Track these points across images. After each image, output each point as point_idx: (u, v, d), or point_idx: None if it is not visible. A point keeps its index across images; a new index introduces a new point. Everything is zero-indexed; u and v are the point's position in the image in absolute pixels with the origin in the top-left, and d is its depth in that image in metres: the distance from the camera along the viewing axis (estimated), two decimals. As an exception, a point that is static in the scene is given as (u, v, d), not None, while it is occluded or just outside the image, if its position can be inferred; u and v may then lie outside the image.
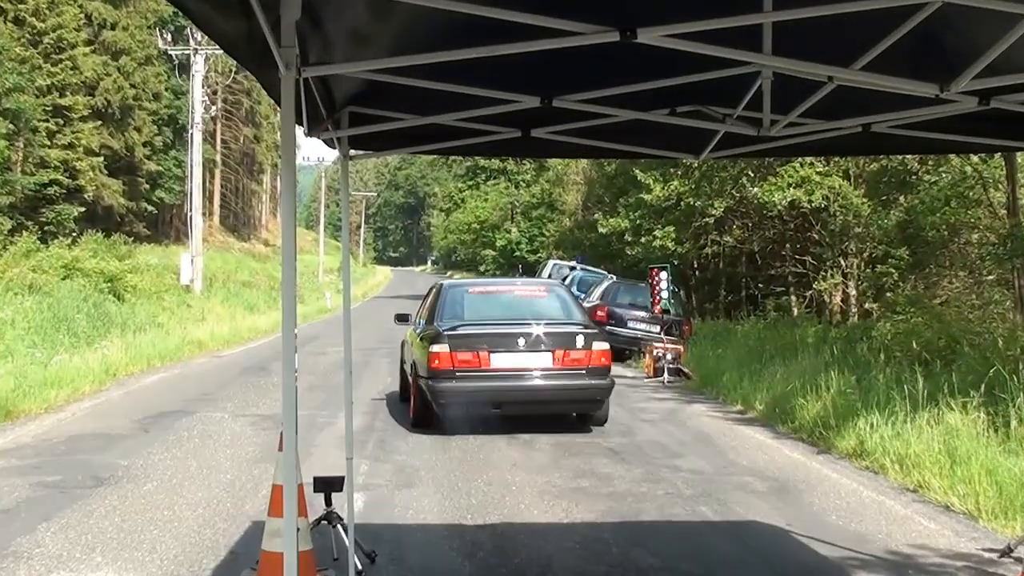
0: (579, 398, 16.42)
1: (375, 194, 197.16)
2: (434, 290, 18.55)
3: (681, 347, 25.49)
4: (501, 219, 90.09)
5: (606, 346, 16.54)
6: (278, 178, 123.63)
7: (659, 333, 27.41)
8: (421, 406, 16.46)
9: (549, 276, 40.86)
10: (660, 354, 24.79)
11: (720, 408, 20.24)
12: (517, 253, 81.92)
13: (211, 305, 43.16)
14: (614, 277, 34.70)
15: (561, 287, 18.53)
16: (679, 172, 35.34)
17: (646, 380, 24.65)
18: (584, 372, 16.22)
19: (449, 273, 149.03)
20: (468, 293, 17.87)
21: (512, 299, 17.88)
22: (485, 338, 16.01)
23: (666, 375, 24.21)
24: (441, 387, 15.89)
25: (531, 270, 68.23)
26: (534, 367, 16.07)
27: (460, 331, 16.12)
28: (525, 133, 8.26)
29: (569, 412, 17.32)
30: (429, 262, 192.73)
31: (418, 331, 17.38)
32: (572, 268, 40.16)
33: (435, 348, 15.92)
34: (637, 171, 38.14)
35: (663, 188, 36.15)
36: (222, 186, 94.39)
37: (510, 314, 17.01)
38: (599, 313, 29.20)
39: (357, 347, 29.66)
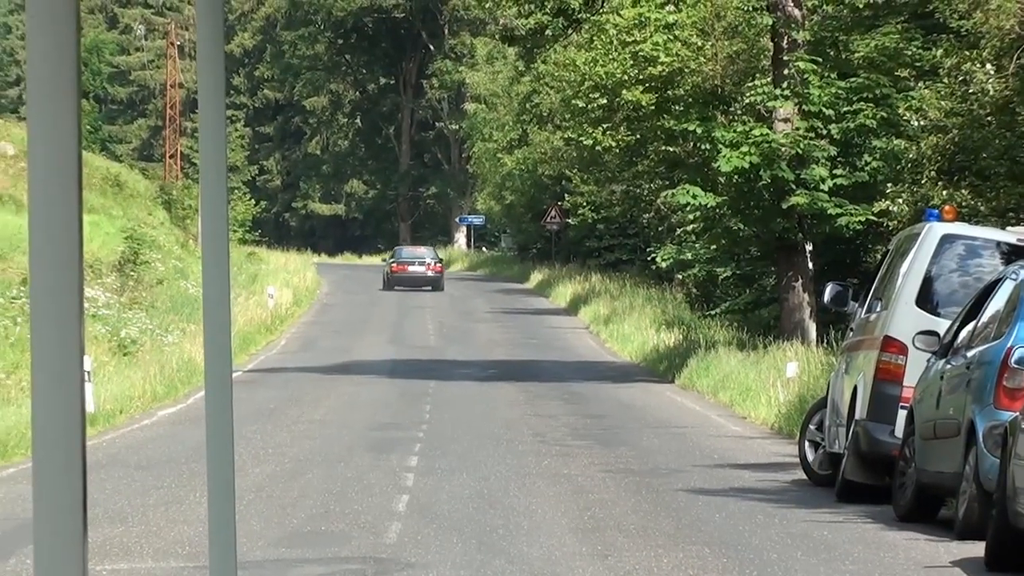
0: (433, 281, 65.91)
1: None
2: (389, 254, 71.61)
3: None
4: (735, 75, 31.93)
5: (439, 264, 67.23)
6: None
7: None
8: (386, 282, 66.76)
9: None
10: None
11: None
12: (798, 197, 29.70)
13: None
14: None
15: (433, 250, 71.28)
16: None
17: None
18: (432, 273, 65.18)
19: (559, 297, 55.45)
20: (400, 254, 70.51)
21: (414, 252, 70.20)
22: (405, 261, 66.90)
23: None
24: (393, 275, 66.12)
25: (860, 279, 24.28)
26: (420, 271, 66.17)
27: (399, 260, 67.60)
28: None
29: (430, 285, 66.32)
30: (462, 238, 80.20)
31: (388, 261, 69.12)
32: None
33: (393, 263, 67.19)
34: None
35: None
36: None
37: (412, 256, 68.82)
38: None
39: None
